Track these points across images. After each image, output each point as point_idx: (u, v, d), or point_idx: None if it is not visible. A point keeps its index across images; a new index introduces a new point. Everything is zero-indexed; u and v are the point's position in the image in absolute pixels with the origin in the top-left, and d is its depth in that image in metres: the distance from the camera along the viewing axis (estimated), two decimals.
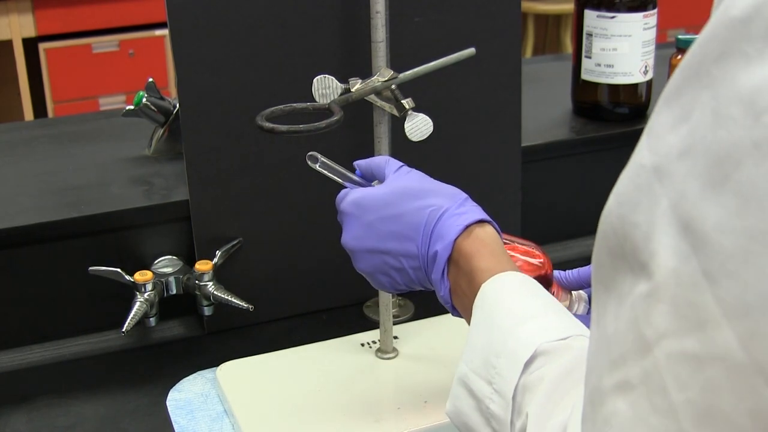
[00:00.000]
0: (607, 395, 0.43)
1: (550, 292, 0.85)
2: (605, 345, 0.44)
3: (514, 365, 0.62)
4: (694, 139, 0.40)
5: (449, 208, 0.76)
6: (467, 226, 0.74)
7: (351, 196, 0.81)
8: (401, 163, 0.83)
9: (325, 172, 0.84)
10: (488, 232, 0.75)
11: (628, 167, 0.44)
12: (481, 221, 0.75)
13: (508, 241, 0.84)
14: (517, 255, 0.84)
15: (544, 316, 0.66)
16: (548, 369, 0.60)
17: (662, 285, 0.40)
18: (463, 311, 0.74)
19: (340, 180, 0.85)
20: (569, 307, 0.87)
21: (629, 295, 0.43)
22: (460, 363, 0.68)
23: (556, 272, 0.87)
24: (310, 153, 0.84)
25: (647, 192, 0.42)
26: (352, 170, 0.85)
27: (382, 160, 0.83)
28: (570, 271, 0.87)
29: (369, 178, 0.84)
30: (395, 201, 0.78)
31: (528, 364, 0.61)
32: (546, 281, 0.84)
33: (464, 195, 0.78)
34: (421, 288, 0.79)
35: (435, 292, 0.77)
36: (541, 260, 0.84)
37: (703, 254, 0.39)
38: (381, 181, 0.82)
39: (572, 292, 0.88)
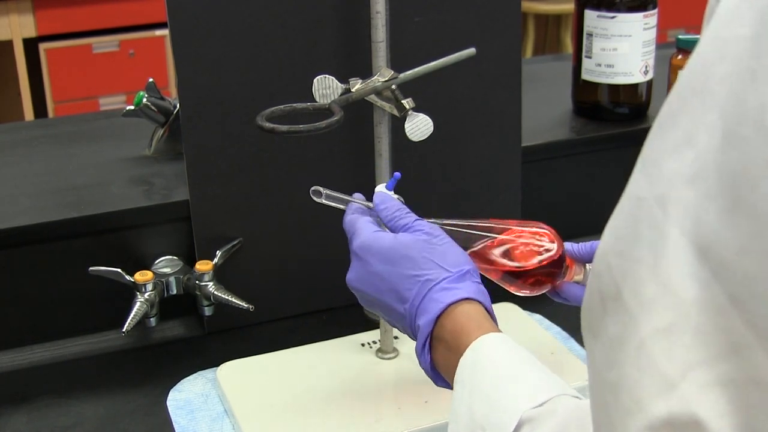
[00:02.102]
0: None
1: (564, 267, 0.85)
2: (611, 396, 0.42)
3: None
4: (704, 162, 0.38)
5: (443, 280, 0.74)
6: (452, 304, 0.72)
7: (360, 239, 0.79)
8: (418, 219, 0.81)
9: (331, 203, 0.85)
10: (475, 307, 0.73)
11: (623, 202, 0.43)
12: (469, 299, 0.73)
13: (516, 228, 0.84)
14: (526, 241, 0.84)
15: (524, 378, 0.65)
16: None
17: (683, 316, 0.39)
18: (450, 382, 0.73)
19: (346, 208, 0.85)
20: (583, 280, 0.87)
21: (630, 336, 0.41)
22: None
23: (567, 245, 0.87)
24: (313, 188, 0.84)
25: (650, 224, 0.40)
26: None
27: (400, 216, 0.81)
28: (582, 243, 0.87)
29: (386, 223, 0.83)
30: (398, 260, 0.76)
31: None
32: (559, 262, 0.84)
33: (467, 267, 0.76)
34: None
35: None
36: (552, 244, 0.84)
37: (725, 279, 0.37)
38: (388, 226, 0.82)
39: (586, 264, 0.87)
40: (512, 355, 0.68)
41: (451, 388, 0.71)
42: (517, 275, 0.84)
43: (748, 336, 0.37)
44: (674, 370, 0.39)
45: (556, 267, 0.84)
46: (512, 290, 0.85)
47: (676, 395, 0.39)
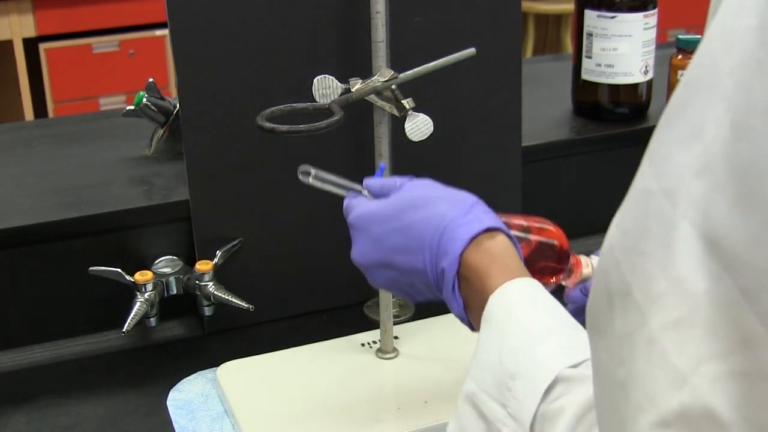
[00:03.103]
0: None
1: (570, 264, 0.85)
2: (620, 393, 0.42)
3: (533, 391, 0.59)
4: (713, 155, 0.38)
5: (455, 217, 0.70)
6: (473, 238, 0.69)
7: (356, 210, 0.77)
8: (410, 177, 0.78)
9: (321, 184, 0.81)
10: (499, 242, 0.69)
11: (630, 197, 0.43)
12: (489, 230, 0.70)
13: (519, 228, 0.84)
14: (533, 236, 0.84)
15: (559, 333, 0.63)
16: (569, 399, 0.57)
17: (693, 309, 0.38)
18: (478, 323, 0.69)
19: (338, 191, 0.81)
20: (593, 273, 0.87)
21: (640, 332, 0.40)
22: (467, 380, 0.64)
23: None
24: (301, 168, 0.80)
25: (658, 218, 0.40)
26: (350, 177, 0.82)
27: (392, 181, 0.78)
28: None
29: (381, 197, 0.79)
30: (399, 213, 0.73)
31: (548, 391, 0.58)
32: (564, 255, 0.84)
33: (473, 199, 0.73)
34: (439, 301, 0.75)
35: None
36: (556, 236, 0.84)
37: (736, 272, 0.37)
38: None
39: (591, 257, 0.87)
40: (547, 306, 0.66)
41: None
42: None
43: (760, 329, 0.36)
44: (686, 363, 0.38)
45: (560, 262, 0.84)
46: None
47: (688, 388, 0.38)
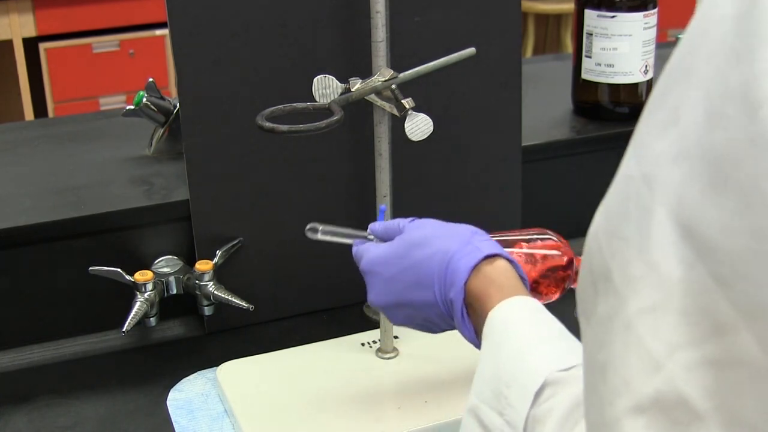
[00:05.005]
0: (612, 427, 0.41)
1: (576, 267, 0.85)
2: (600, 376, 0.42)
3: (524, 396, 0.61)
4: (688, 142, 0.38)
5: (456, 250, 0.74)
6: (474, 267, 0.73)
7: (366, 256, 0.82)
8: (412, 218, 0.83)
9: (329, 238, 0.86)
10: (497, 266, 0.73)
11: (615, 181, 0.43)
12: (488, 256, 0.74)
13: (523, 238, 0.85)
14: (538, 251, 0.85)
15: (551, 342, 0.65)
16: (557, 400, 0.59)
17: (668, 296, 0.38)
18: None
19: (346, 240, 0.86)
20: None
21: (618, 316, 0.41)
22: (470, 395, 0.67)
23: None
24: (309, 226, 0.85)
25: (637, 203, 0.40)
26: (356, 226, 0.86)
27: (395, 223, 0.83)
28: None
29: (386, 239, 0.84)
30: (406, 253, 0.78)
31: (538, 394, 0.60)
32: (569, 260, 0.85)
33: (471, 230, 0.77)
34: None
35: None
36: (558, 246, 0.85)
37: (710, 259, 0.37)
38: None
39: None
40: (540, 319, 0.68)
41: None
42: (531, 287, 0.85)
43: (732, 316, 0.37)
44: (661, 350, 0.39)
45: (566, 269, 0.85)
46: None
47: (663, 374, 0.39)
